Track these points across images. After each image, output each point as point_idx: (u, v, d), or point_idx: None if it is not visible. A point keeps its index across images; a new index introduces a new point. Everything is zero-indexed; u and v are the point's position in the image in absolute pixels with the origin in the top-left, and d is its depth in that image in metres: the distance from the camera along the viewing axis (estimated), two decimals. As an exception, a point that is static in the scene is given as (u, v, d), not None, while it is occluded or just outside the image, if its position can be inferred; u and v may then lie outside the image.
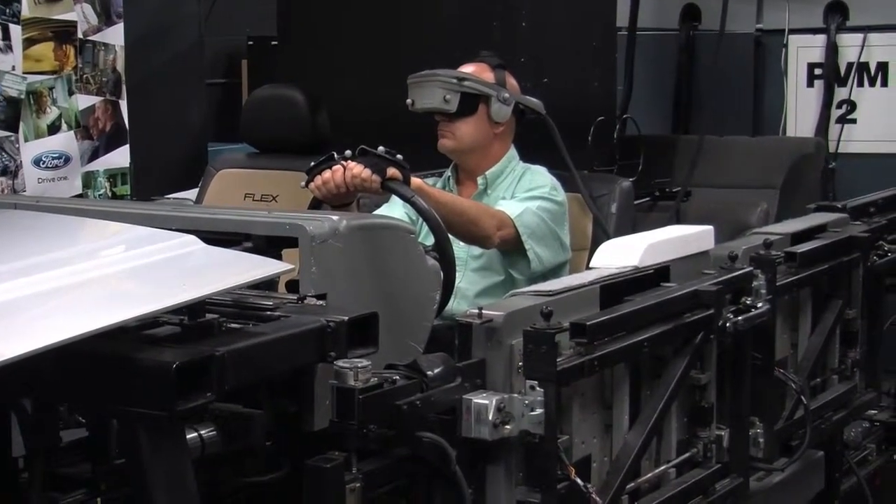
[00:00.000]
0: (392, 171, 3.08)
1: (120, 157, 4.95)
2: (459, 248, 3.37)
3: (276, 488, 2.11)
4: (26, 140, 4.60)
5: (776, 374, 3.12)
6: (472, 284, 3.57)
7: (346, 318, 2.05)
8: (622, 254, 2.80)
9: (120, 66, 4.92)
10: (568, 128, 3.90)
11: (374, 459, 2.16)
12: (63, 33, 4.71)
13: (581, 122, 4.38)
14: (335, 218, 2.39)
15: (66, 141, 4.75)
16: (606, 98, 4.69)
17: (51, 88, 4.68)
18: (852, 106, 5.49)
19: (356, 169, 3.08)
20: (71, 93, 4.75)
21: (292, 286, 2.38)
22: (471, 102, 3.60)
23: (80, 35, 4.77)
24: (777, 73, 5.58)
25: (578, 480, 2.36)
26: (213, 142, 5.72)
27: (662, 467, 2.74)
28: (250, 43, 6.75)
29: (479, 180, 3.68)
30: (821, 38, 5.51)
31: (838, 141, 5.45)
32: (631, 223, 3.89)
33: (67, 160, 4.75)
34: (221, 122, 6.31)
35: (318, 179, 3.12)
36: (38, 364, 1.71)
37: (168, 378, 1.75)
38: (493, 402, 2.27)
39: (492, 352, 2.34)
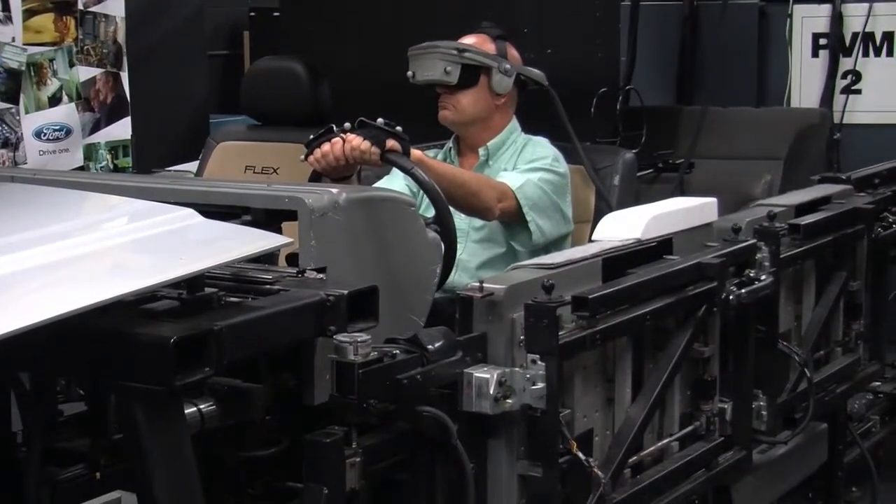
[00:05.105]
0: (391, 143, 3.06)
1: (121, 130, 4.93)
2: (461, 219, 3.35)
3: (276, 463, 2.10)
4: (27, 112, 4.59)
5: (780, 347, 3.11)
6: (474, 256, 3.56)
7: (346, 291, 2.04)
8: (625, 226, 2.79)
9: (121, 37, 4.89)
10: (570, 99, 3.88)
11: (375, 434, 2.16)
12: (63, 4, 4.68)
13: (584, 93, 4.35)
14: (334, 191, 2.38)
15: (67, 113, 4.73)
16: (609, 69, 4.65)
17: (51, 60, 4.66)
18: (857, 76, 5.46)
19: (355, 141, 3.06)
20: (72, 64, 4.73)
21: (292, 259, 2.37)
22: (472, 74, 3.58)
23: (80, 6, 4.74)
24: (781, 44, 5.55)
25: (580, 454, 2.35)
26: (214, 114, 5.71)
27: (665, 441, 2.73)
28: (252, 14, 6.72)
29: (481, 152, 3.66)
30: (826, 8, 5.48)
31: (843, 112, 5.42)
32: (634, 195, 3.87)
33: (69, 132, 4.74)
34: (223, 93, 6.28)
35: (318, 152, 3.11)
36: (36, 339, 1.70)
37: (166, 352, 1.74)
38: (495, 376, 2.26)
39: (493, 325, 2.33)
